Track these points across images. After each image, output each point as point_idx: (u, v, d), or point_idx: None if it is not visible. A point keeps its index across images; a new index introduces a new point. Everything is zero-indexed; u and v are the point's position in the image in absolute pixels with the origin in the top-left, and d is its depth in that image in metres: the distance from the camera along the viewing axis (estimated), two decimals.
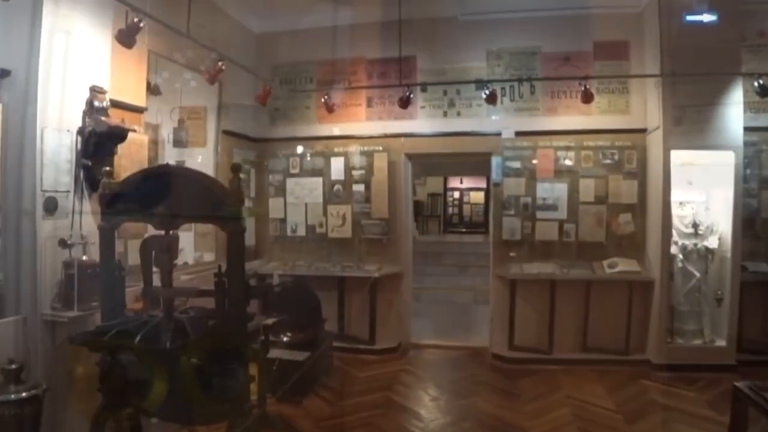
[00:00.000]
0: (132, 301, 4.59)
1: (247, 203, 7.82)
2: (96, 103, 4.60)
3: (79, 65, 4.60)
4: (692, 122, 6.63)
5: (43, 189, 4.26)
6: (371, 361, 7.33)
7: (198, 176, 3.24)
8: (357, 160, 7.96)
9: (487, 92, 6.73)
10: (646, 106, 7.26)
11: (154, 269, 3.50)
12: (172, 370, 3.02)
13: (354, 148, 7.98)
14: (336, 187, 8.01)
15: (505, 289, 7.48)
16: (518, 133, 7.51)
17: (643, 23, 7.26)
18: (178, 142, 6.70)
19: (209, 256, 7.05)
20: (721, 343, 6.76)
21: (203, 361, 3.15)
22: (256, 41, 8.35)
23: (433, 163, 8.39)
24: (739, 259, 6.68)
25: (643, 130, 7.25)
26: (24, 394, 3.43)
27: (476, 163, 8.34)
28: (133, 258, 4.73)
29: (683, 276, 6.86)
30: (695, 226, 6.89)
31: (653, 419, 5.47)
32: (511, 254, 7.53)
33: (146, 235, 3.54)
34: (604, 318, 7.20)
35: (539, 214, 7.44)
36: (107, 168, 3.66)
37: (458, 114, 7.78)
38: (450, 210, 22.19)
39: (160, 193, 3.21)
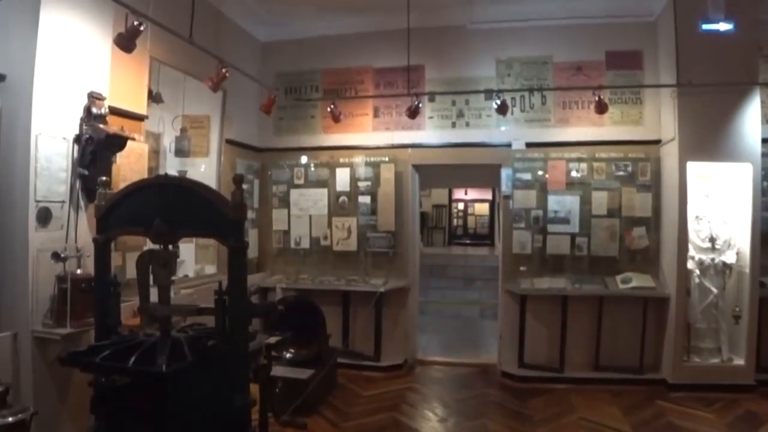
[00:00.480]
0: (129, 316, 4.42)
1: (250, 214, 7.66)
2: (94, 110, 4.42)
3: (77, 70, 4.44)
4: (708, 134, 6.45)
5: (36, 199, 4.07)
6: (376, 379, 7.12)
7: (198, 188, 3.04)
8: (363, 171, 7.78)
9: (498, 102, 6.54)
10: (660, 117, 7.09)
11: (152, 284, 3.33)
12: (168, 395, 2.82)
13: (360, 158, 7.81)
14: (341, 198, 7.82)
15: (514, 304, 7.27)
16: (529, 145, 7.33)
17: (656, 32, 7.12)
18: (180, 152, 6.55)
19: (210, 269, 6.88)
20: (740, 362, 6.53)
21: (201, 385, 2.97)
22: (260, 49, 8.22)
23: (439, 174, 8.18)
24: (757, 274, 6.45)
25: (657, 142, 7.08)
26: (10, 419, 3.22)
27: (484, 175, 8.18)
28: (132, 271, 4.53)
29: (700, 292, 6.63)
30: (712, 240, 6.68)
31: None
32: (522, 268, 7.32)
33: (144, 249, 3.34)
34: (618, 335, 7.00)
35: (550, 228, 7.24)
36: (104, 178, 3.47)
37: (467, 124, 7.60)
38: (454, 221, 22.04)
39: (159, 205, 3.02)
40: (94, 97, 4.48)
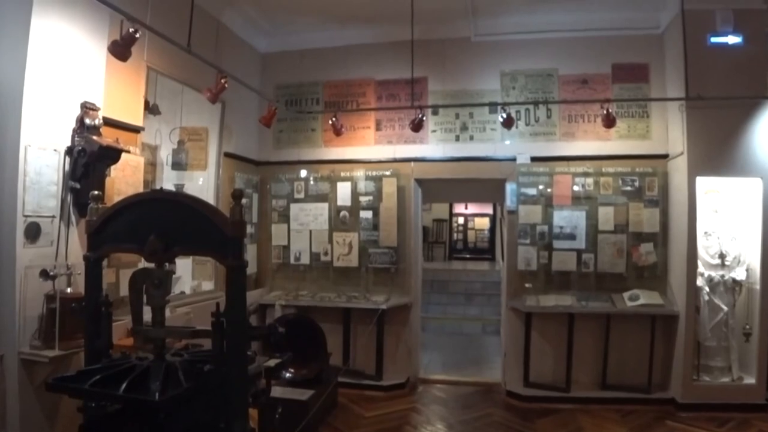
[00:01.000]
0: (122, 336, 4.25)
1: (249, 229, 7.50)
2: (87, 121, 4.29)
3: (70, 79, 4.31)
4: (718, 148, 6.33)
5: (24, 213, 3.92)
6: (378, 398, 6.94)
7: (195, 203, 2.88)
8: (364, 186, 7.64)
9: (504, 116, 6.41)
10: (667, 131, 6.98)
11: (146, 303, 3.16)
12: (161, 424, 2.65)
13: (361, 172, 7.67)
14: (342, 213, 7.67)
15: (519, 322, 7.10)
16: (534, 159, 7.21)
17: (663, 45, 7.04)
18: (178, 165, 6.42)
19: (208, 285, 6.74)
20: (750, 380, 6.39)
21: (197, 412, 2.79)
22: (260, 60, 8.11)
23: (442, 188, 8.05)
24: None
25: (665, 156, 6.96)
26: None
27: (488, 190, 8.02)
28: (125, 288, 4.37)
29: (709, 309, 6.49)
30: (722, 256, 6.56)
31: None
32: (527, 285, 7.16)
33: (138, 267, 3.18)
34: (625, 354, 6.84)
35: (556, 244, 7.09)
36: (96, 192, 3.30)
37: (471, 138, 7.47)
38: (455, 236, 21.89)
39: (154, 221, 2.86)
40: (87, 108, 4.36)
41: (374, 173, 7.62)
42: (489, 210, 20.53)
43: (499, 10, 7.08)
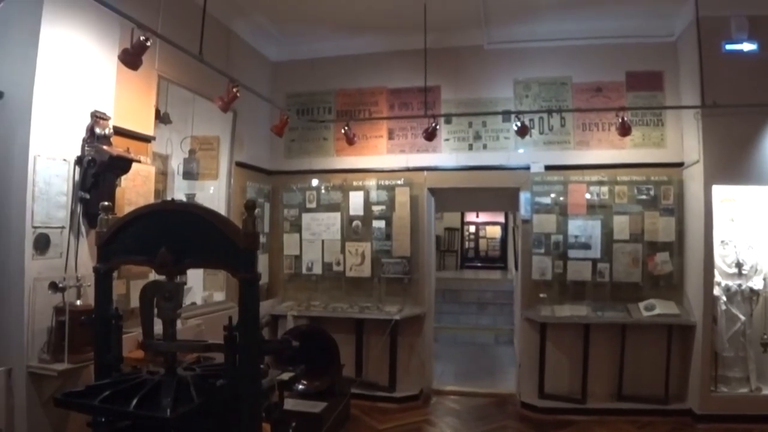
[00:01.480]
0: (133, 348, 4.20)
1: (261, 239, 7.45)
2: (97, 130, 4.26)
3: (80, 88, 4.29)
4: (734, 156, 6.24)
5: (33, 224, 3.88)
6: (391, 410, 6.85)
7: (207, 214, 2.83)
8: (377, 195, 7.59)
9: (519, 124, 6.34)
10: (682, 139, 6.89)
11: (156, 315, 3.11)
12: None
13: (374, 182, 7.63)
14: (355, 223, 7.62)
15: (534, 332, 7.01)
16: (548, 167, 7.13)
17: (677, 53, 6.98)
18: (189, 174, 6.39)
19: (219, 296, 6.70)
20: None
21: (209, 428, 2.74)
22: (271, 69, 8.10)
23: (455, 198, 8.01)
24: None
25: (680, 164, 6.88)
26: None
27: (501, 199, 7.96)
28: (136, 300, 4.33)
29: (727, 319, 6.37)
30: (739, 265, 6.46)
31: None
32: (541, 295, 7.07)
33: (149, 279, 3.13)
34: (642, 364, 6.74)
35: (571, 253, 7.00)
36: (106, 203, 3.26)
37: (484, 147, 7.42)
38: (466, 244, 21.82)
39: (164, 232, 2.81)
40: (97, 117, 4.34)
41: (387, 182, 7.58)
42: (500, 219, 20.48)
43: (512, 18, 7.02)
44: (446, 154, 7.51)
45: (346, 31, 7.51)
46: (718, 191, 6.36)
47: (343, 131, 6.90)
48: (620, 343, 6.75)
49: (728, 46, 6.24)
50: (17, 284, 3.82)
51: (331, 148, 7.90)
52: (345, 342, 6.96)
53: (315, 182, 7.84)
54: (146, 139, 5.14)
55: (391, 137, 7.69)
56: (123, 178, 4.49)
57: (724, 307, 6.38)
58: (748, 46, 6.21)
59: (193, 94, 6.10)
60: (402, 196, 7.49)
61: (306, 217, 7.82)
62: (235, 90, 5.18)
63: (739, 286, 6.41)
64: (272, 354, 3.35)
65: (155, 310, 2.94)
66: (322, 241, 7.73)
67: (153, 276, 3.77)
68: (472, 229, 21.93)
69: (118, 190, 4.45)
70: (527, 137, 6.75)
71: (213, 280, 6.69)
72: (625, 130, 6.14)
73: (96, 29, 4.40)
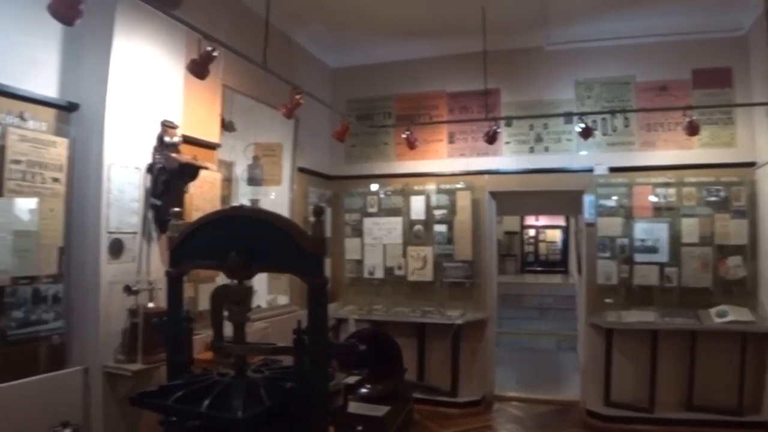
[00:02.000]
0: (201, 349, 4.29)
1: None
2: (166, 139, 4.38)
3: (150, 98, 4.41)
4: None
5: (108, 230, 4.01)
6: (453, 416, 6.80)
7: (276, 219, 2.86)
8: (438, 199, 7.58)
9: (582, 126, 6.21)
10: (755, 138, 6.62)
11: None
12: None
13: (434, 186, 7.62)
14: (416, 227, 7.62)
15: (599, 338, 6.83)
16: (612, 169, 6.97)
17: (747, 47, 6.68)
18: (253, 180, 6.51)
19: (283, 299, 6.77)
20: None
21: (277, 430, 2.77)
22: (331, 76, 8.19)
23: (517, 201, 7.93)
24: None
25: (752, 164, 6.60)
26: None
27: (563, 202, 7.84)
28: (204, 303, 4.47)
29: None
30: None
31: None
32: (607, 300, 6.88)
33: (218, 284, 3.18)
34: (713, 373, 6.46)
35: (637, 257, 6.79)
36: (176, 209, 3.35)
37: (546, 149, 7.32)
38: (525, 248, 21.59)
39: (234, 238, 2.86)
40: (166, 126, 4.45)
41: (447, 186, 7.56)
42: (560, 222, 20.20)
43: (572, 18, 6.90)
44: (507, 157, 7.44)
45: (403, 37, 7.51)
46: None
47: (404, 136, 6.90)
48: (690, 350, 6.51)
49: None
50: (94, 287, 3.95)
51: (391, 153, 7.93)
52: (407, 346, 6.97)
53: (375, 187, 7.88)
54: (212, 146, 5.27)
55: (451, 141, 7.67)
56: (191, 184, 4.59)
57: None
58: None
59: (255, 102, 6.21)
60: (463, 200, 7.45)
61: (367, 222, 7.87)
62: (298, 97, 5.24)
63: None
64: (339, 357, 3.35)
65: (225, 313, 3.00)
66: (384, 246, 7.76)
67: (219, 280, 3.84)
68: (532, 232, 21.72)
69: (186, 197, 4.56)
70: (590, 139, 6.60)
71: (277, 284, 6.77)
72: (692, 129, 5.93)
73: (164, 41, 4.52)
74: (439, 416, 6.76)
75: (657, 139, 6.96)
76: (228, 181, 6.23)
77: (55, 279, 3.90)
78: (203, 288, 4.70)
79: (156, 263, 4.37)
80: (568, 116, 6.98)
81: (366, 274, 7.83)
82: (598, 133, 6.97)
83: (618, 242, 6.87)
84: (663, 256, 6.74)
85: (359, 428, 3.79)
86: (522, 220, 21.18)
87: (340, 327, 7.43)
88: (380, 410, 5.50)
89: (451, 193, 7.53)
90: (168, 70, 4.58)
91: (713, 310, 6.46)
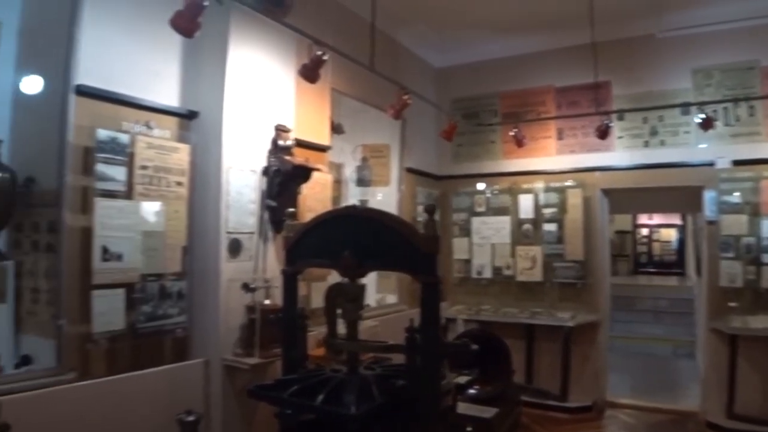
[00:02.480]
0: (314, 346, 4.39)
1: None
2: (281, 142, 4.53)
3: (264, 104, 4.57)
4: None
5: (227, 230, 4.20)
6: (563, 421, 6.64)
7: (388, 219, 2.89)
8: (547, 197, 7.40)
9: (702, 117, 5.88)
10: None
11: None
12: None
13: (543, 184, 7.44)
14: (525, 226, 7.48)
15: (722, 345, 6.39)
16: (736, 162, 6.49)
17: None
18: (362, 181, 6.64)
19: (391, 298, 6.85)
20: None
21: (389, 428, 2.78)
22: (435, 75, 8.18)
23: (630, 199, 7.63)
24: None
25: None
26: None
27: (681, 198, 7.48)
28: (316, 301, 4.61)
29: None
30: None
31: None
32: (731, 304, 6.43)
33: (331, 282, 3.25)
34: None
35: (765, 258, 6.30)
36: (291, 209, 3.44)
37: (662, 143, 6.95)
38: (638, 248, 20.76)
39: (347, 237, 2.91)
40: (280, 130, 4.59)
41: (557, 184, 7.37)
42: (676, 220, 19.27)
43: (688, 1, 6.51)
44: (619, 153, 7.12)
45: (506, 33, 7.39)
46: None
47: (512, 133, 6.79)
48: None
49: None
50: (215, 285, 4.15)
51: (499, 151, 7.82)
52: (515, 348, 6.79)
53: (483, 186, 7.80)
54: (323, 149, 5.40)
55: (560, 137, 7.46)
56: (304, 186, 4.72)
57: None
58: None
59: (362, 105, 6.32)
60: (574, 198, 7.23)
61: (475, 221, 7.80)
62: (405, 98, 5.27)
63: None
64: (451, 357, 3.33)
65: (338, 311, 3.06)
66: (492, 245, 7.67)
67: (331, 279, 3.91)
68: (645, 231, 20.87)
69: (299, 198, 4.69)
70: (710, 131, 6.22)
71: (386, 283, 6.84)
72: None
73: (276, 48, 4.66)
74: (548, 420, 6.61)
75: None
76: (338, 183, 6.36)
77: (179, 276, 4.16)
78: (316, 286, 4.83)
79: (272, 262, 4.53)
80: (686, 107, 6.60)
81: (474, 274, 7.76)
82: (719, 124, 6.47)
83: (743, 241, 6.41)
84: None
85: (469, 429, 3.75)
86: (634, 218, 20.39)
87: (449, 327, 7.39)
88: (489, 412, 5.39)
89: (560, 191, 7.33)
90: (280, 75, 4.73)
91: None
